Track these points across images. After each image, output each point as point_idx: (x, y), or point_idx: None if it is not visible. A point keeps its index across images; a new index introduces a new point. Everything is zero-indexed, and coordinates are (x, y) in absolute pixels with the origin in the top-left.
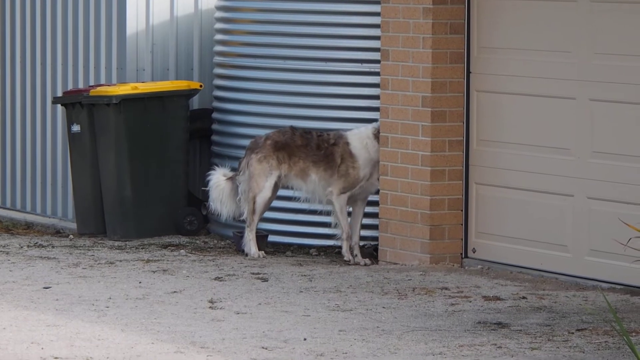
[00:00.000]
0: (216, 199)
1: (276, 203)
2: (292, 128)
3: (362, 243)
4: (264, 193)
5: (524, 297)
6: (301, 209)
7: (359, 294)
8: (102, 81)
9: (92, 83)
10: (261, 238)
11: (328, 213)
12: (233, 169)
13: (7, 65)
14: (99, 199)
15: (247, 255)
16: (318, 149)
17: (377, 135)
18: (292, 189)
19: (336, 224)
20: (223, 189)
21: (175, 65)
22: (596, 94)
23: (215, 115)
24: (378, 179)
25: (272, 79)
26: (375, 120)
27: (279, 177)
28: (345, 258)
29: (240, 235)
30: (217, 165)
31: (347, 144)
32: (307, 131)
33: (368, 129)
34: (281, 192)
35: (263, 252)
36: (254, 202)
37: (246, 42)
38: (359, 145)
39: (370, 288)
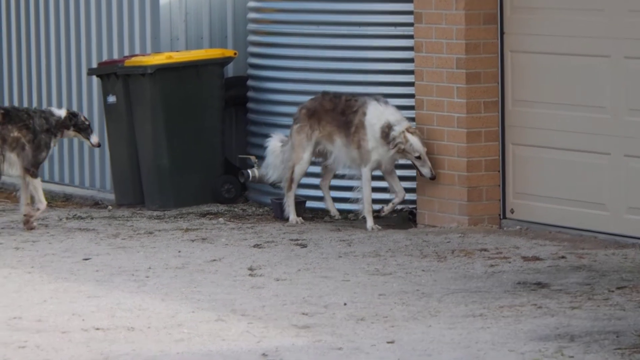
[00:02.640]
0: (270, 164)
1: (313, 169)
2: (324, 93)
3: (400, 207)
4: (302, 165)
5: (563, 257)
6: (338, 174)
7: (398, 257)
8: (137, 51)
9: (126, 53)
10: (299, 204)
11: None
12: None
13: (41, 38)
14: (137, 169)
15: (286, 221)
16: (342, 114)
17: (386, 134)
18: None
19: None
20: (277, 155)
21: (209, 33)
22: (630, 51)
23: (250, 82)
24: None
25: (306, 44)
26: (410, 84)
27: (316, 144)
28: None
29: (278, 202)
30: (271, 135)
31: (364, 114)
32: (337, 95)
33: (388, 118)
34: (319, 157)
35: (301, 218)
36: (292, 172)
37: (279, 8)
38: (375, 121)
39: (409, 251)
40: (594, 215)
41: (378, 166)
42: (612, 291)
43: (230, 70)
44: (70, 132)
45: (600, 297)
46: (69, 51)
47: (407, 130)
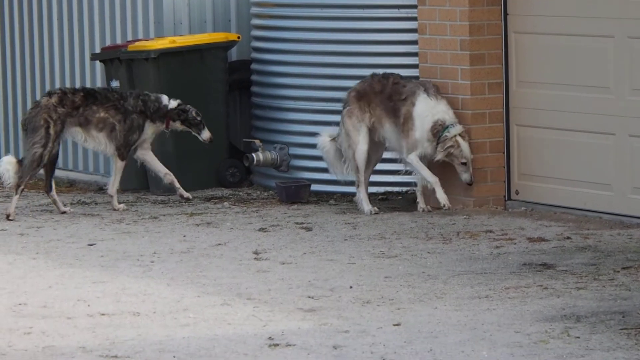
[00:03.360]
0: (328, 164)
1: (317, 151)
2: (373, 75)
3: (405, 189)
4: (360, 147)
5: (568, 238)
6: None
7: (403, 240)
8: (140, 36)
9: (129, 38)
10: (304, 187)
11: None
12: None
13: (44, 23)
14: None
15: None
16: (389, 99)
17: (437, 132)
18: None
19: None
20: (328, 150)
21: (212, 17)
22: (634, 31)
23: (254, 66)
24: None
25: (310, 27)
26: (414, 66)
27: (369, 125)
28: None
29: (283, 186)
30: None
31: (413, 104)
32: (385, 76)
33: (443, 116)
34: None
35: (377, 207)
36: (355, 159)
37: None
38: (426, 114)
39: (415, 234)
40: (598, 196)
41: (422, 156)
42: (618, 271)
43: (234, 54)
44: (178, 125)
45: (606, 277)
46: (72, 36)
47: (460, 134)
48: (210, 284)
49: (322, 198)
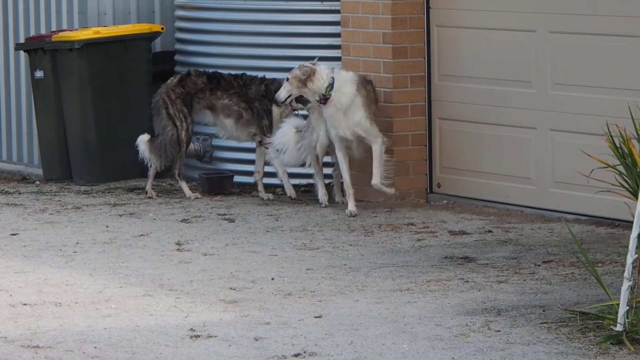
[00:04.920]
0: (285, 151)
1: (241, 143)
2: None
3: (328, 181)
4: (322, 140)
5: (489, 231)
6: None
7: (325, 232)
8: (64, 26)
9: (54, 28)
10: (227, 179)
11: None
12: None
13: None
14: (64, 144)
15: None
16: None
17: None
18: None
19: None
20: (290, 139)
21: (136, 8)
22: (556, 25)
23: (177, 57)
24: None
25: (233, 19)
26: (337, 59)
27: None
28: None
29: (205, 177)
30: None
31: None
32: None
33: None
34: None
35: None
36: (316, 151)
37: None
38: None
39: (337, 226)
40: (520, 190)
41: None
42: (539, 265)
43: (157, 45)
44: (299, 105)
45: (527, 271)
46: None
47: None
48: (133, 274)
49: (245, 189)
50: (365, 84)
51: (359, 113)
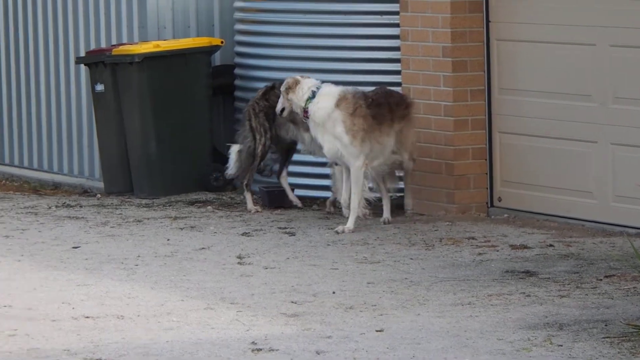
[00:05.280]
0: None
1: (301, 157)
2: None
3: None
4: None
5: (551, 245)
6: (326, 161)
7: (386, 245)
8: (124, 40)
9: (114, 42)
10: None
11: None
12: None
13: (29, 27)
14: (125, 157)
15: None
16: None
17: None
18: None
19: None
20: None
21: (196, 22)
22: (616, 39)
23: (237, 71)
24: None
25: (292, 33)
26: (397, 73)
27: None
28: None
29: (266, 191)
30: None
31: None
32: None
33: None
34: None
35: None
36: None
37: None
38: None
39: (398, 240)
40: (581, 204)
41: None
42: (600, 280)
43: (217, 59)
44: None
45: (589, 285)
46: (57, 40)
47: None
48: (194, 287)
49: (306, 203)
50: (356, 100)
51: (339, 128)
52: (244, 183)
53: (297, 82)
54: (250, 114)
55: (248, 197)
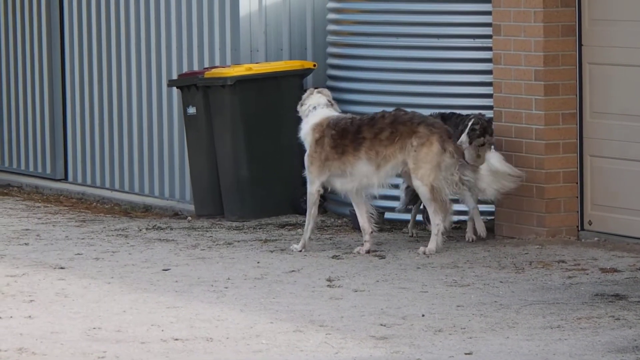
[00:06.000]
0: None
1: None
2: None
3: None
4: None
5: None
6: None
7: (476, 268)
8: (217, 63)
9: (206, 65)
10: (378, 215)
11: None
12: None
13: (122, 49)
14: (216, 180)
15: None
16: None
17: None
18: None
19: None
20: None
21: (288, 45)
22: None
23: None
24: None
25: (385, 56)
26: (489, 96)
27: None
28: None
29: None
30: None
31: None
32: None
33: None
34: None
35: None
36: None
37: (358, 20)
38: None
39: (487, 263)
40: None
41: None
42: None
43: (309, 82)
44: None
45: None
46: (150, 62)
47: None
48: (283, 310)
49: (396, 226)
50: (332, 127)
51: (306, 151)
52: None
53: (309, 95)
54: None
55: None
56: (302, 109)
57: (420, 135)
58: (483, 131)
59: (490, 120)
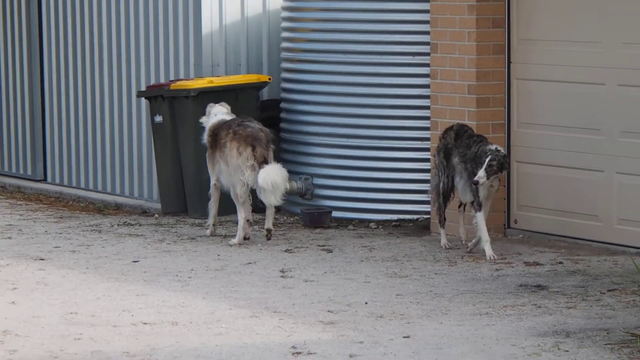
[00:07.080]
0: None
1: (338, 182)
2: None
3: (416, 217)
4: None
5: (560, 262)
6: (361, 187)
7: (413, 262)
8: (181, 76)
9: (172, 78)
10: (326, 214)
11: (386, 190)
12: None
13: (95, 64)
14: (180, 181)
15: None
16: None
17: None
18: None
19: None
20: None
21: (246, 60)
22: (624, 79)
23: (283, 104)
24: None
25: (333, 71)
26: (426, 108)
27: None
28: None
29: (307, 212)
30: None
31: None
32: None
33: None
34: (344, 172)
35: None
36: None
37: (310, 38)
38: None
39: (424, 257)
40: (588, 226)
41: None
42: (604, 293)
43: (265, 94)
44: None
45: (593, 298)
46: (121, 75)
47: None
48: (241, 298)
49: (342, 223)
50: (221, 130)
51: None
52: (438, 220)
53: (212, 107)
54: (433, 152)
55: (442, 233)
56: (203, 119)
57: (228, 140)
58: (500, 167)
59: (505, 155)
